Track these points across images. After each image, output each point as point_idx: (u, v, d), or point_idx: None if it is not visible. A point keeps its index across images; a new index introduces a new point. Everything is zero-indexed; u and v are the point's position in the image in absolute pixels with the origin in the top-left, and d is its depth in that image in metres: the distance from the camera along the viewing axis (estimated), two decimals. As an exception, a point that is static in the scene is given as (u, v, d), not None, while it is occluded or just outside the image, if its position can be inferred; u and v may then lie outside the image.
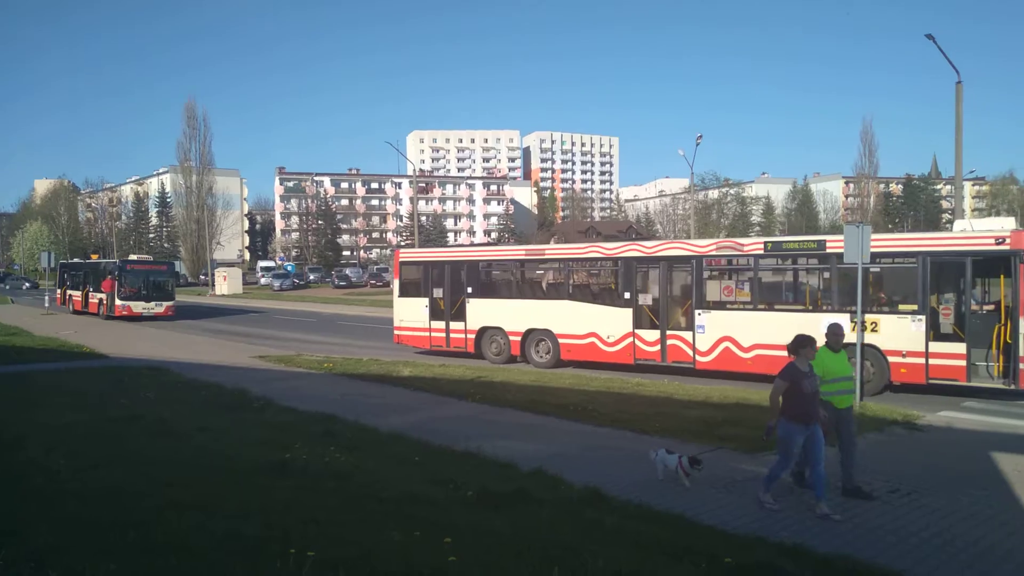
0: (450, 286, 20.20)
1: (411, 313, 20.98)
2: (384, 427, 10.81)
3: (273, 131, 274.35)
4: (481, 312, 19.66)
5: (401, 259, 22.41)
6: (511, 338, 19.13)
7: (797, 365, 7.27)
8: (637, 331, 17.07)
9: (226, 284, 64.26)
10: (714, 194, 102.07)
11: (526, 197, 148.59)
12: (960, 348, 13.51)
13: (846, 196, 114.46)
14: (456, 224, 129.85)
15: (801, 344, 7.33)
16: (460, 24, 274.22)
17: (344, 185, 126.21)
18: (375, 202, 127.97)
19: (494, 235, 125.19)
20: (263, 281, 76.00)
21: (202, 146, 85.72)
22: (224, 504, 6.51)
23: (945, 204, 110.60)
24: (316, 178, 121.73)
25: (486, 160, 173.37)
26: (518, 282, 20.06)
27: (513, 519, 6.45)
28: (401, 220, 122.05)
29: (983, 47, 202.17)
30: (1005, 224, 13.96)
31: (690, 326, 16.39)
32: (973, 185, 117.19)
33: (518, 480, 7.95)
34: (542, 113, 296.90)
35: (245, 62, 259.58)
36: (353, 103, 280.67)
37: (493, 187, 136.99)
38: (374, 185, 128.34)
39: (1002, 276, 13.37)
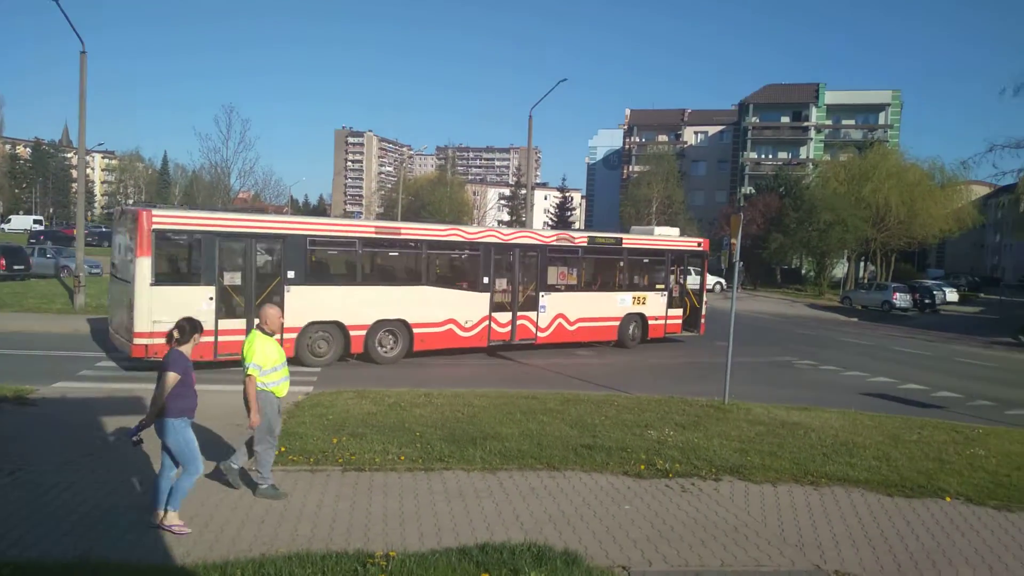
0: (257, 270, 15.09)
1: (179, 310, 12.31)
2: None
3: None
4: (308, 304, 15.40)
5: (157, 225, 14.01)
6: (352, 333, 16.08)
7: (185, 353, 6.40)
8: (493, 314, 18.00)
9: None
10: None
11: None
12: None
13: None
14: None
15: (197, 330, 6.50)
16: None
17: None
18: None
19: None
20: None
21: None
22: None
23: (74, 173, 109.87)
24: None
25: None
26: (365, 265, 16.79)
27: None
28: None
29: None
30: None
31: (535, 307, 18.64)
32: (103, 158, 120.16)
33: None
34: None
35: None
36: None
37: None
38: None
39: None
